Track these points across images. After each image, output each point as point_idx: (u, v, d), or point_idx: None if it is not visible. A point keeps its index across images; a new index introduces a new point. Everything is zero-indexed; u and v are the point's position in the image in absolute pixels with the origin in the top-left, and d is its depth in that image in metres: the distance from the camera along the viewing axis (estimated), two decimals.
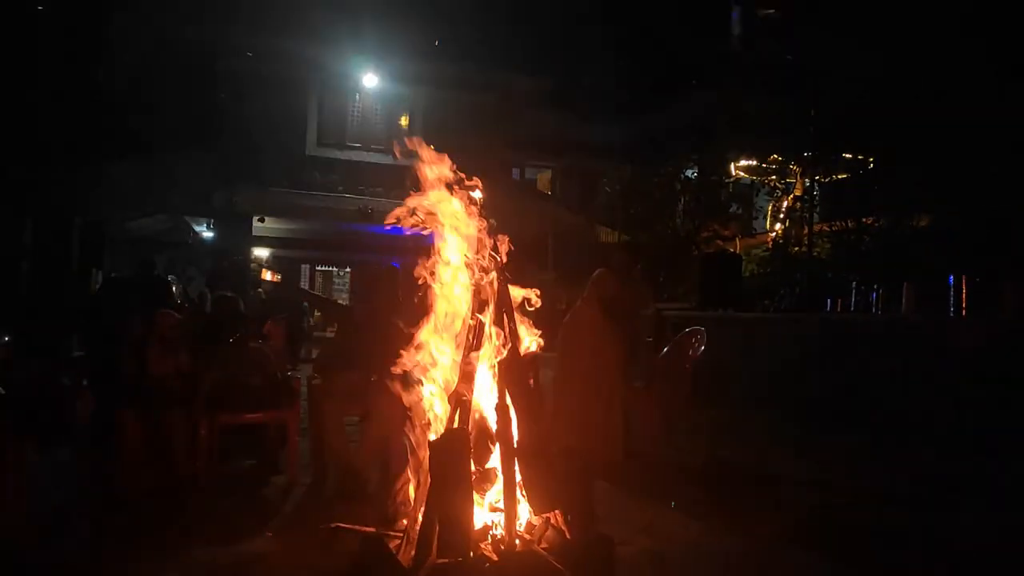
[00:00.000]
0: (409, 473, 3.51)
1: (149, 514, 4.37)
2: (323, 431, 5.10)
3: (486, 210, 3.65)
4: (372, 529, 3.48)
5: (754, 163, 14.99)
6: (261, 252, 17.38)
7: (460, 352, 3.48)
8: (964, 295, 7.22)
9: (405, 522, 3.37)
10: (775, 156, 14.11)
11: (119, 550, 3.71)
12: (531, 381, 3.50)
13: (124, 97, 13.97)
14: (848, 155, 12.83)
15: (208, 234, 16.65)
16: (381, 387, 4.99)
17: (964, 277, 7.29)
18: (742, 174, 15.65)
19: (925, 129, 10.27)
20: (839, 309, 9.12)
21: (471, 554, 3.00)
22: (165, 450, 4.72)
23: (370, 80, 15.80)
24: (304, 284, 19.01)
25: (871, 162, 12.88)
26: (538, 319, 3.68)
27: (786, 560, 3.73)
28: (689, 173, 15.69)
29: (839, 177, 13.22)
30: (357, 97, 16.51)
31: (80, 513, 4.45)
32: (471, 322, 3.46)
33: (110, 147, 13.67)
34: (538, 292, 3.63)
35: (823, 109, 10.89)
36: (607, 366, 5.52)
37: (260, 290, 14.02)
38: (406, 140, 3.50)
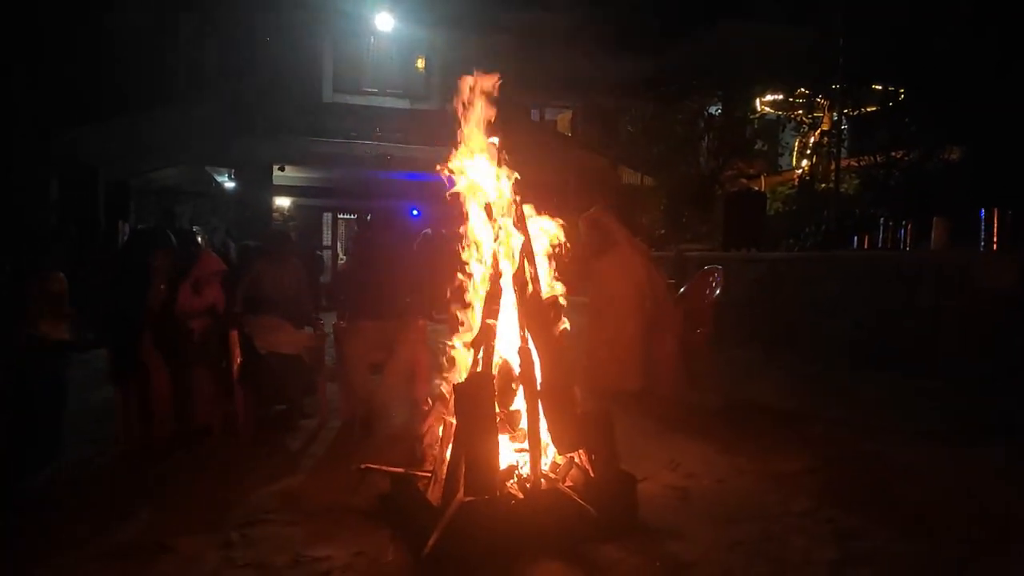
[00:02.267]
0: (435, 415, 3.58)
1: (181, 459, 4.53)
2: (349, 374, 5.21)
3: (506, 153, 3.62)
4: (401, 469, 3.58)
5: (780, 97, 14.57)
6: (282, 201, 17.42)
7: (483, 297, 3.50)
8: (996, 229, 7.05)
9: (433, 463, 3.45)
10: (802, 90, 13.69)
11: (153, 497, 3.85)
12: (555, 324, 3.53)
13: (139, 48, 13.87)
14: (878, 87, 12.40)
15: (230, 184, 16.70)
16: (404, 330, 5.11)
17: (996, 211, 7.10)
18: (768, 109, 15.23)
19: (958, 58, 9.87)
20: (866, 246, 8.97)
21: (497, 493, 3.08)
22: (191, 393, 4.85)
23: (385, 22, 15.47)
24: (327, 233, 19.10)
25: (902, 94, 12.44)
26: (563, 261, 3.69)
27: (807, 494, 3.77)
28: (713, 110, 15.30)
29: (868, 110, 12.82)
30: (372, 40, 16.21)
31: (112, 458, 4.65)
32: (492, 268, 3.47)
33: (129, 99, 13.65)
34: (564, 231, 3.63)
35: (853, 39, 10.47)
36: (645, 305, 5.55)
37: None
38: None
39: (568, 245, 3.72)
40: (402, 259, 5.35)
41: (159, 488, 3.92)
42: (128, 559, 3.03)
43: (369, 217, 5.80)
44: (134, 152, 14.06)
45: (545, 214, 3.71)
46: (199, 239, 12.87)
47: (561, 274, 3.69)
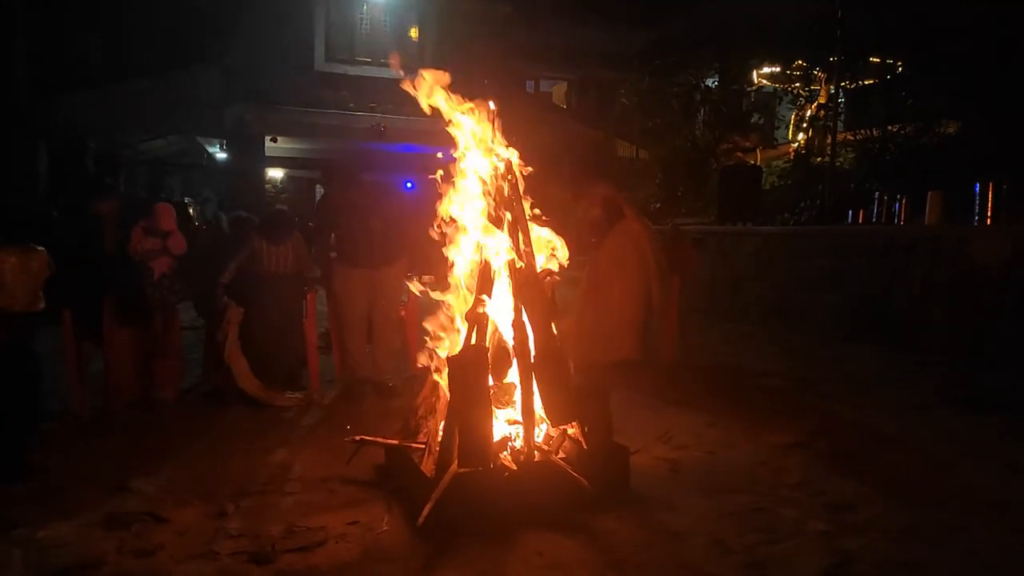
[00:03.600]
0: (430, 388, 3.59)
1: (173, 429, 4.55)
2: (346, 334, 5.29)
3: (501, 125, 3.58)
4: (395, 441, 3.60)
5: (778, 70, 14.45)
6: (275, 173, 17.26)
7: (477, 270, 3.49)
8: (991, 203, 7.04)
9: (427, 435, 3.47)
10: (800, 62, 13.58)
11: (145, 468, 3.86)
12: (549, 297, 3.52)
13: (129, 17, 13.63)
14: (876, 60, 12.31)
15: (221, 155, 16.52)
16: (392, 279, 5.17)
17: (991, 185, 7.08)
18: (765, 82, 15.11)
19: (956, 32, 9.78)
20: (861, 221, 8.96)
21: (490, 464, 3.10)
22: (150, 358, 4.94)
23: None
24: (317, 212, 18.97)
25: (899, 67, 12.35)
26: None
27: (799, 466, 3.81)
28: (710, 82, 15.16)
29: (866, 83, 12.72)
30: (365, 8, 15.95)
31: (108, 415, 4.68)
32: (487, 240, 3.45)
33: (118, 69, 13.45)
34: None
35: (852, 12, 10.36)
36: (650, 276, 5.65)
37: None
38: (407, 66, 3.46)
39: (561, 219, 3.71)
40: (387, 209, 5.35)
41: (151, 459, 3.92)
42: (124, 529, 3.04)
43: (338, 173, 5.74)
44: (124, 122, 13.88)
45: (540, 185, 3.68)
46: (191, 210, 12.77)
47: (556, 247, 3.68)
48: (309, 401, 5.16)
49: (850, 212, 9.24)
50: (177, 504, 3.28)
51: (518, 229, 3.40)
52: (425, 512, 2.92)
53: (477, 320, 3.36)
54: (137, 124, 14.33)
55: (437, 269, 3.68)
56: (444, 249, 3.58)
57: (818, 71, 13.15)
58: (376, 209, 5.31)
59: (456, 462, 3.06)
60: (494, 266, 3.42)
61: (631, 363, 5.50)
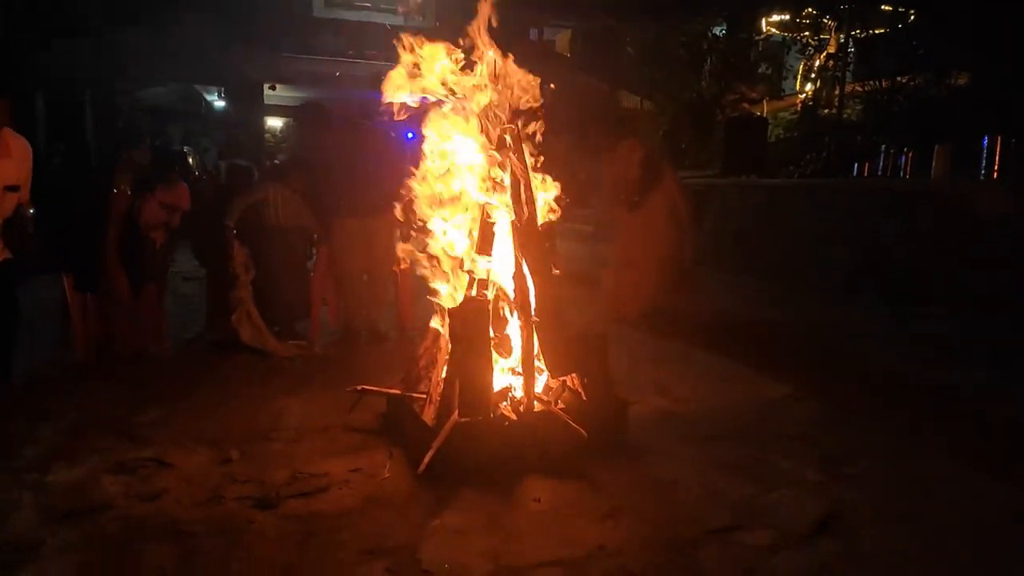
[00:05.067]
0: (431, 337, 3.61)
1: (176, 375, 4.61)
2: (345, 281, 5.37)
3: (503, 74, 3.51)
4: (397, 391, 3.64)
5: (787, 18, 14.11)
6: (275, 122, 17.08)
7: (478, 221, 3.47)
8: (998, 158, 6.95)
9: (428, 385, 3.50)
10: (810, 9, 13.24)
11: (150, 414, 3.91)
12: (551, 249, 3.51)
13: None
14: (887, 7, 12.00)
15: (220, 103, 16.32)
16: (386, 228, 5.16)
17: (1000, 138, 6.99)
18: (773, 30, 14.77)
19: None
20: (867, 174, 8.88)
21: (491, 414, 3.15)
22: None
23: None
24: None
25: (912, 15, 12.05)
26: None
27: (797, 418, 3.86)
28: (717, 31, 14.83)
29: (876, 32, 12.42)
30: None
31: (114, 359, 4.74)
32: (486, 194, 3.42)
33: (114, 15, 13.15)
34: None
35: None
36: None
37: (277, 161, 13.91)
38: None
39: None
40: (380, 153, 5.26)
41: (156, 406, 3.98)
42: (131, 474, 3.10)
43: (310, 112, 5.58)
44: (121, 69, 13.65)
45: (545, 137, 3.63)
46: (190, 159, 12.66)
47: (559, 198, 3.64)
48: (310, 351, 5.20)
49: (856, 165, 9.15)
50: (182, 450, 3.34)
51: (519, 180, 3.37)
52: (426, 460, 2.98)
53: (478, 271, 3.36)
54: (134, 72, 14.10)
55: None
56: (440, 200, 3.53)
57: (828, 19, 12.83)
58: (369, 153, 5.21)
59: (457, 411, 3.10)
60: (495, 217, 3.40)
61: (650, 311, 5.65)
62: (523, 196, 3.36)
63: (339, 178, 5.29)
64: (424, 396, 3.45)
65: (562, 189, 3.63)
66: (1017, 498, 2.97)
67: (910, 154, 8.21)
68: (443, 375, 3.29)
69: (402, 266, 5.54)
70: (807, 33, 13.74)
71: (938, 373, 4.71)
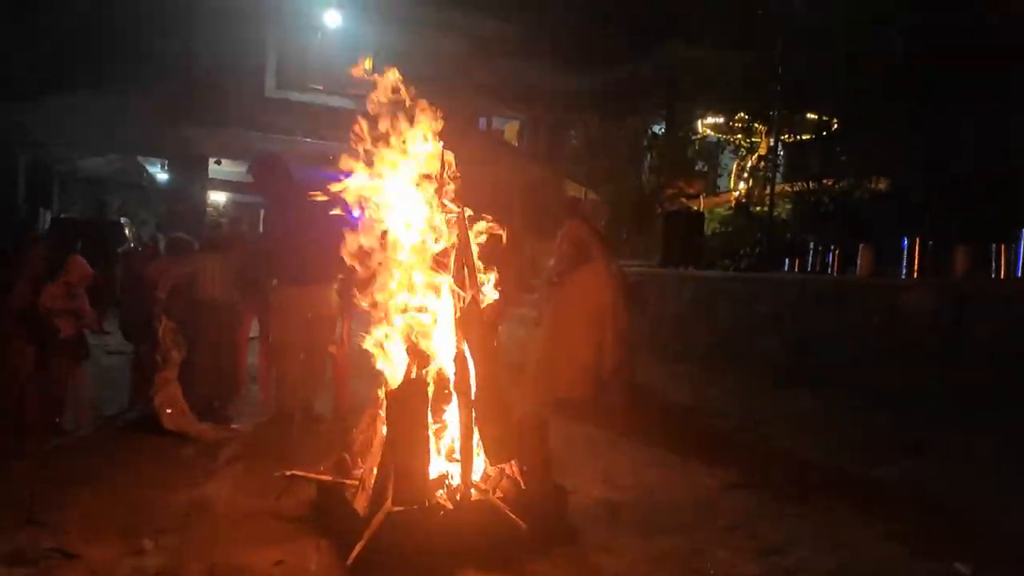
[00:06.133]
0: (367, 421, 3.50)
1: (93, 458, 4.31)
2: (283, 358, 5.17)
3: (452, 159, 3.58)
4: (328, 477, 3.48)
5: (721, 121, 14.99)
6: (218, 197, 16.91)
7: (420, 302, 3.44)
8: (917, 258, 7.39)
9: (362, 471, 3.37)
10: (742, 114, 14.12)
11: (59, 498, 3.63)
12: (492, 332, 3.49)
13: (72, 28, 13.26)
14: (813, 116, 12.89)
15: (163, 176, 16.11)
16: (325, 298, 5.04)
17: (918, 239, 7.45)
18: (709, 132, 15.65)
19: (887, 94, 10.34)
20: (796, 269, 9.28)
21: (426, 503, 3.03)
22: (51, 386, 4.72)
23: (332, 19, 15.23)
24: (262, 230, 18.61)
25: (834, 124, 12.97)
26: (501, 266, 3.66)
27: (734, 508, 3.84)
28: (656, 128, 15.62)
29: (803, 138, 13.29)
30: (319, 36, 15.93)
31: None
32: (431, 273, 3.42)
33: (58, 81, 13.03)
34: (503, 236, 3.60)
35: (790, 68, 10.87)
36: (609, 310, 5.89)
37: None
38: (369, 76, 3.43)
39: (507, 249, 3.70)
40: (324, 221, 5.17)
41: (65, 489, 3.70)
42: (31, 566, 2.84)
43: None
44: (60, 136, 13.40)
45: (487, 220, 3.67)
46: (127, 231, 12.35)
47: (503, 282, 3.66)
48: (237, 433, 4.97)
49: (787, 260, 9.57)
50: (90, 539, 3.09)
51: (463, 262, 3.39)
52: (356, 552, 2.83)
53: (418, 354, 3.31)
54: (74, 139, 13.85)
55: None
56: (383, 279, 3.50)
57: (758, 124, 13.68)
58: (314, 219, 5.11)
59: (391, 499, 2.97)
60: (437, 300, 3.39)
61: (581, 401, 5.59)
62: (466, 278, 3.37)
63: (282, 240, 5.13)
64: (357, 483, 3.31)
65: (507, 273, 3.65)
66: None
67: (837, 251, 8.65)
68: (378, 461, 3.17)
69: (339, 344, 5.46)
70: (739, 136, 14.60)
71: (865, 461, 4.80)
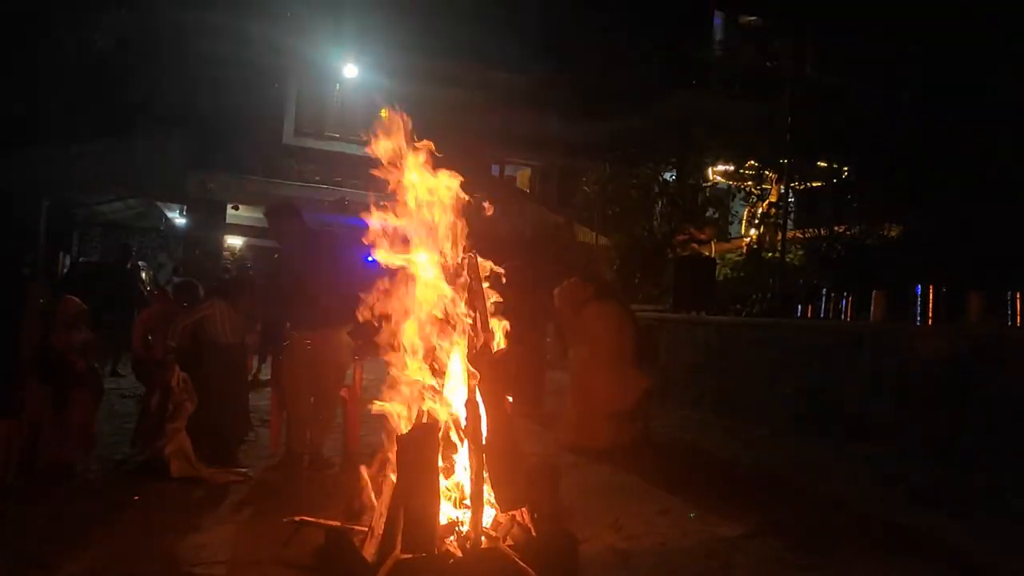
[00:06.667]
0: (376, 466, 3.48)
1: (99, 503, 4.30)
2: (294, 403, 5.17)
3: (466, 205, 3.63)
4: (337, 523, 3.45)
5: (731, 168, 15.10)
6: (235, 241, 17.14)
7: (432, 347, 3.46)
8: (931, 304, 7.34)
9: (371, 517, 3.34)
10: (752, 162, 14.24)
11: (64, 542, 3.61)
12: (504, 378, 3.49)
13: (96, 76, 13.69)
14: (823, 164, 12.98)
15: (181, 221, 16.37)
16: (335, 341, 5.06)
17: (931, 287, 7.41)
18: (719, 179, 15.76)
19: (899, 142, 10.44)
20: (809, 315, 9.23)
21: (435, 550, 2.99)
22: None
23: (350, 71, 15.64)
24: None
25: (845, 171, 13.04)
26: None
27: (748, 558, 3.75)
28: (668, 176, 15.76)
29: (814, 185, 13.36)
30: (337, 87, 16.34)
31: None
32: (442, 317, 3.44)
33: (80, 128, 13.39)
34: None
35: (800, 117, 11.00)
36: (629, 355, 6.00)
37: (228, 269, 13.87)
38: (387, 116, 3.52)
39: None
40: (328, 266, 5.21)
41: (74, 534, 3.68)
42: None
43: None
44: (82, 182, 13.71)
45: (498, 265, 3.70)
46: (143, 276, 12.52)
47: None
48: (247, 477, 4.94)
49: (799, 306, 9.52)
50: None
51: (475, 308, 3.40)
52: None
53: (429, 399, 3.31)
54: (96, 185, 14.17)
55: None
56: (395, 324, 3.52)
57: (769, 172, 13.78)
58: (328, 263, 5.17)
59: (399, 547, 2.94)
60: (450, 344, 3.40)
61: (604, 449, 5.59)
62: (479, 323, 3.38)
63: (294, 285, 5.19)
64: (366, 529, 3.27)
65: (516, 317, 3.67)
66: None
67: (850, 298, 8.61)
68: (387, 506, 3.14)
69: (350, 388, 5.47)
70: (750, 183, 14.69)
71: (884, 511, 4.70)
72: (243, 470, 5.00)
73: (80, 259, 15.59)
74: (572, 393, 6.16)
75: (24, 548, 3.42)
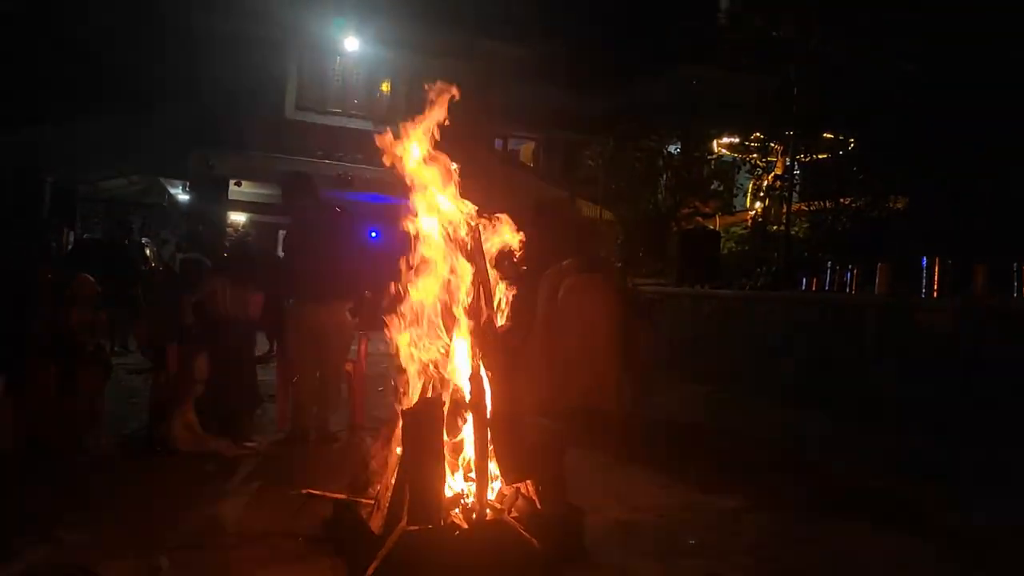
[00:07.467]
0: (382, 440, 3.51)
1: (110, 476, 4.35)
2: (300, 378, 5.20)
3: (468, 179, 3.61)
4: (343, 496, 3.49)
5: (736, 141, 14.97)
6: (238, 217, 17.11)
7: (436, 322, 3.46)
8: (936, 277, 7.31)
9: (377, 490, 3.37)
10: (757, 134, 14.11)
11: (77, 515, 3.66)
12: (508, 351, 3.50)
13: (96, 52, 13.59)
14: (829, 135, 12.86)
15: (183, 197, 16.35)
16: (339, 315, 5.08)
17: (937, 259, 7.37)
18: (724, 151, 15.64)
19: (903, 112, 10.32)
20: (814, 288, 9.21)
21: (441, 522, 3.02)
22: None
23: (351, 44, 15.48)
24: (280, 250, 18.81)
25: (851, 143, 12.91)
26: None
27: (751, 530, 3.79)
28: (672, 149, 15.64)
29: (819, 157, 13.25)
30: (338, 61, 16.19)
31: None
32: (446, 294, 3.44)
33: (82, 104, 13.33)
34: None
35: (806, 89, 10.87)
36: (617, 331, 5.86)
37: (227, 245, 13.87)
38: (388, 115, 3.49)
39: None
40: (344, 240, 5.22)
41: (82, 507, 3.73)
42: None
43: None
44: (84, 158, 13.68)
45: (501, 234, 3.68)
46: (147, 252, 12.53)
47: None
48: (254, 450, 4.99)
49: (803, 279, 9.49)
50: (107, 556, 3.11)
51: (479, 283, 3.40)
52: (370, 571, 2.82)
53: (434, 372, 3.32)
54: (98, 161, 14.14)
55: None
56: (402, 299, 3.53)
57: (774, 144, 13.66)
58: (335, 237, 5.19)
59: (405, 519, 2.97)
60: (454, 320, 3.40)
61: (594, 415, 5.57)
62: (482, 298, 3.38)
63: (300, 258, 5.22)
64: (372, 502, 3.31)
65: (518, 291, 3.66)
66: None
67: (855, 270, 8.58)
68: (393, 479, 3.17)
69: (355, 362, 5.50)
70: (755, 155, 14.56)
71: (885, 483, 4.74)
72: (251, 444, 5.05)
73: (84, 235, 15.61)
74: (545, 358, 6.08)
75: (33, 522, 3.46)
